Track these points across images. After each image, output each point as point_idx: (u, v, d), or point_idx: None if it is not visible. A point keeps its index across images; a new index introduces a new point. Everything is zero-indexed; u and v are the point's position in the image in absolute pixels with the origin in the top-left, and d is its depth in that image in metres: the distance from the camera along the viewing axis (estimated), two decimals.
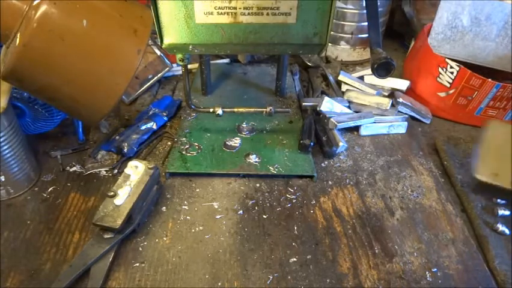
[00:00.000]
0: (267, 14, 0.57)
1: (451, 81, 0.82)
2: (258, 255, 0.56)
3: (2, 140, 0.58)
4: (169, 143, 0.77)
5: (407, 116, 0.84)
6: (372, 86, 0.91)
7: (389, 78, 0.86)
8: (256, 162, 0.69)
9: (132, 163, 0.60)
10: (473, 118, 0.84)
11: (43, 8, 0.51)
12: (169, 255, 0.55)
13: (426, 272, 0.54)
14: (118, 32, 0.58)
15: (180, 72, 0.96)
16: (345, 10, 1.02)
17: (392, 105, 0.84)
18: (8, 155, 0.60)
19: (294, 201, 0.64)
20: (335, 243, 0.58)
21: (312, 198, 0.65)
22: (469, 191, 0.67)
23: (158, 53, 0.94)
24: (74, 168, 0.70)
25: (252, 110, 0.73)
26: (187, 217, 0.61)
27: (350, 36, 1.06)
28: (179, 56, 0.64)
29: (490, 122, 0.73)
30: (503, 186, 0.64)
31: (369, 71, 0.91)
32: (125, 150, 0.72)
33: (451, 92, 0.83)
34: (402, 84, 0.91)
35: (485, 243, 0.58)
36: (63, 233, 0.58)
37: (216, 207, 0.63)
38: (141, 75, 0.91)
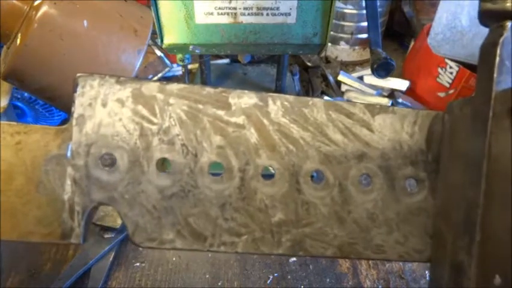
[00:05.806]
0: (267, 14, 0.57)
1: (450, 81, 0.82)
2: (257, 255, 0.56)
3: None
4: None
5: None
6: (372, 86, 0.91)
7: (388, 79, 0.86)
8: None
9: None
10: None
11: (44, 8, 0.51)
12: (169, 255, 0.55)
13: (426, 272, 0.54)
14: (118, 32, 0.58)
15: (180, 73, 0.96)
16: (345, 10, 1.02)
17: (392, 105, 0.84)
18: None
19: None
20: None
21: None
22: None
23: (158, 53, 0.94)
24: None
25: None
26: None
27: (349, 36, 1.06)
28: (179, 56, 0.64)
29: None
30: None
31: (369, 71, 0.90)
32: None
33: (451, 92, 0.83)
34: (402, 84, 0.91)
35: None
36: None
37: None
38: (141, 75, 0.91)
